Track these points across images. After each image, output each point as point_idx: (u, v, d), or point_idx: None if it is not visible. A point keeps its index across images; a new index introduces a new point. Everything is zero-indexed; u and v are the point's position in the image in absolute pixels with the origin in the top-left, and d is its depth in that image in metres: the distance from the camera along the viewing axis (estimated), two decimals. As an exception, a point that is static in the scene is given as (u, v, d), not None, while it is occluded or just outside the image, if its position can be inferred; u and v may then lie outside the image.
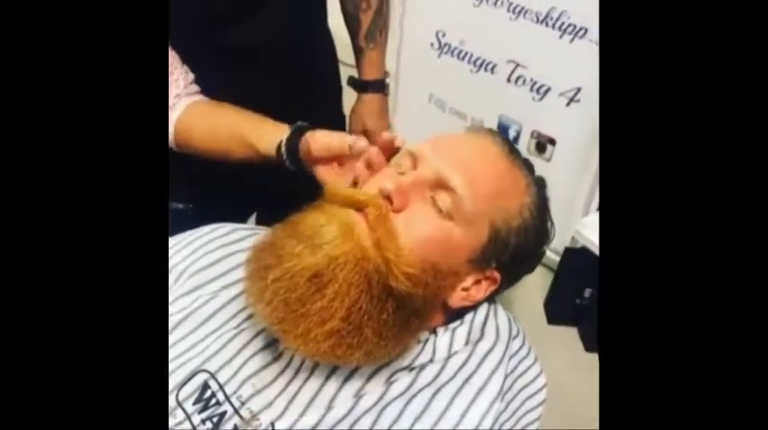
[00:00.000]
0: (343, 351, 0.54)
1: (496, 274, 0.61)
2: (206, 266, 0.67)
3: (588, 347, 1.63)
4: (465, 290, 0.60)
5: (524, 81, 1.64)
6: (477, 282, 0.61)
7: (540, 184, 0.63)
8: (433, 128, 1.88)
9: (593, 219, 1.54)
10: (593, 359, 1.61)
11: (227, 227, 0.72)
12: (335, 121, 1.13)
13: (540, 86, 1.61)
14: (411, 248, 0.55)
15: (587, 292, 1.61)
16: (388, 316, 0.54)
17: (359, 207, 0.56)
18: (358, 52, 1.09)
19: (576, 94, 1.56)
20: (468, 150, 0.60)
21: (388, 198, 0.56)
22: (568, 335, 1.66)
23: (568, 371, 1.50)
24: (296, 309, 0.53)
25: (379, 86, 1.10)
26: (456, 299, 0.60)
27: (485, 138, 0.62)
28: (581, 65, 1.51)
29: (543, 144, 1.67)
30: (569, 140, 1.63)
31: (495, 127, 1.77)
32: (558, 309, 1.66)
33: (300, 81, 1.01)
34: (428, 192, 0.58)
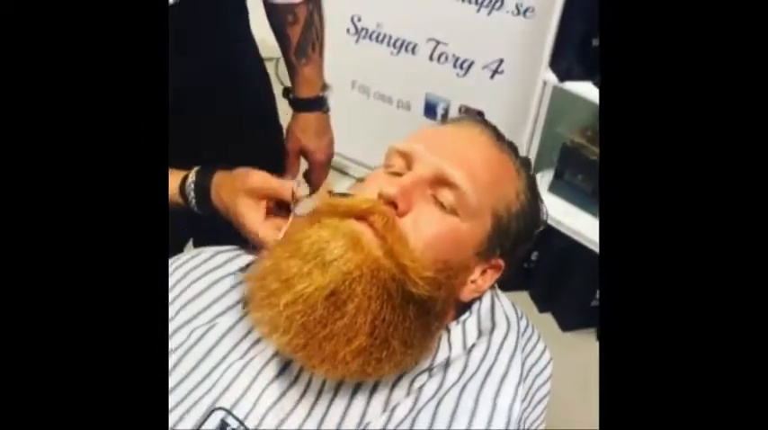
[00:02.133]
0: (373, 367, 0.52)
1: (500, 262, 0.61)
2: (195, 296, 0.64)
3: (542, 309, 1.69)
4: (473, 282, 0.60)
5: (447, 58, 1.65)
6: (484, 272, 0.61)
7: (527, 165, 0.64)
8: (360, 115, 1.87)
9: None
10: (548, 319, 1.68)
11: (208, 251, 0.68)
12: (272, 136, 1.07)
13: (463, 61, 1.63)
14: (422, 250, 0.54)
15: (534, 256, 1.66)
16: (411, 323, 0.53)
17: (361, 216, 0.55)
18: (290, 68, 1.01)
19: (499, 66, 1.59)
20: (461, 143, 0.59)
21: (392, 203, 0.55)
22: (521, 301, 1.72)
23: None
24: (317, 332, 0.51)
25: (316, 104, 1.01)
26: (466, 292, 0.60)
27: (472, 128, 0.61)
28: (500, 36, 1.54)
29: (472, 118, 1.69)
30: (497, 111, 1.65)
31: (422, 106, 1.77)
32: (508, 276, 1.69)
33: (235, 112, 0.95)
34: (428, 191, 0.57)
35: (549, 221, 1.52)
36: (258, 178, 0.69)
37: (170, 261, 0.67)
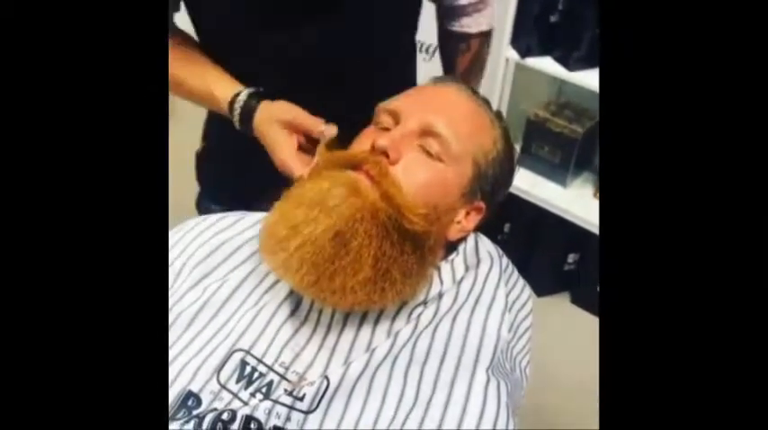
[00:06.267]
0: (379, 295, 0.59)
1: (482, 204, 0.68)
2: (206, 256, 0.69)
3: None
4: (458, 223, 0.67)
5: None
6: (468, 213, 0.68)
7: (500, 117, 0.71)
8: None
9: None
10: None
11: (214, 216, 0.74)
12: None
13: (428, 46, 1.70)
14: (414, 193, 0.61)
15: (507, 227, 1.75)
16: (408, 256, 0.60)
17: (357, 166, 0.61)
18: None
19: (463, 48, 1.67)
20: (442, 98, 0.66)
21: (384, 153, 0.61)
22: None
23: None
24: (327, 268, 0.58)
25: None
26: (453, 232, 0.67)
27: (451, 86, 0.68)
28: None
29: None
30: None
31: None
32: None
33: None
34: (416, 141, 0.64)
35: (520, 193, 1.61)
36: (293, 112, 0.72)
37: (179, 227, 0.73)
